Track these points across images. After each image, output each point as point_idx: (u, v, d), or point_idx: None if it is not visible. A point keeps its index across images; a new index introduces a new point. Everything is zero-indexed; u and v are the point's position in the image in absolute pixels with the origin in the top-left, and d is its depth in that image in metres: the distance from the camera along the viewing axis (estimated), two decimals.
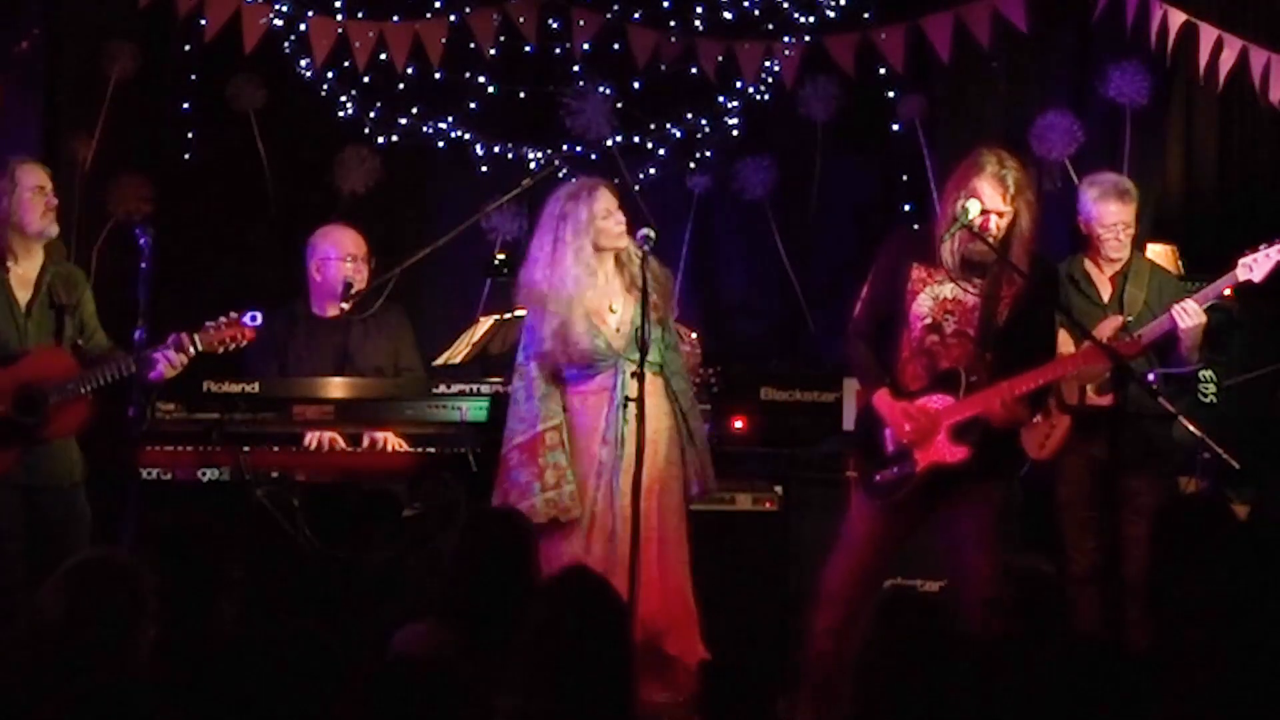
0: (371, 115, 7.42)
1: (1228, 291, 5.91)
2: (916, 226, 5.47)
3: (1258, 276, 5.82)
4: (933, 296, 5.18)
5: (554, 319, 5.50)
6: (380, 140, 7.41)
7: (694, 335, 6.25)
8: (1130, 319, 5.94)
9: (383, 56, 7.30)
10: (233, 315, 5.53)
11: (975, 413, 5.08)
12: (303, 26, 7.28)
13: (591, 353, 5.50)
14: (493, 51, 7.37)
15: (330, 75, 7.37)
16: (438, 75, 7.38)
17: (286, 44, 7.31)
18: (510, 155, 7.51)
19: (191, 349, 5.45)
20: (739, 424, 5.92)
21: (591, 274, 5.52)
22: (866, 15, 7.47)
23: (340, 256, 6.20)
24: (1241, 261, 5.84)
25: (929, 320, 5.17)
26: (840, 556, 5.25)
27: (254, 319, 5.54)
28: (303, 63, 7.33)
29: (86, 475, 5.61)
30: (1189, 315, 5.77)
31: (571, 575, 3.65)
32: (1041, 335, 5.28)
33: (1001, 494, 5.30)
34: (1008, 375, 5.07)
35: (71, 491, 5.56)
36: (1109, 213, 5.99)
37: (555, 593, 3.52)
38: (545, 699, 3.30)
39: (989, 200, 5.10)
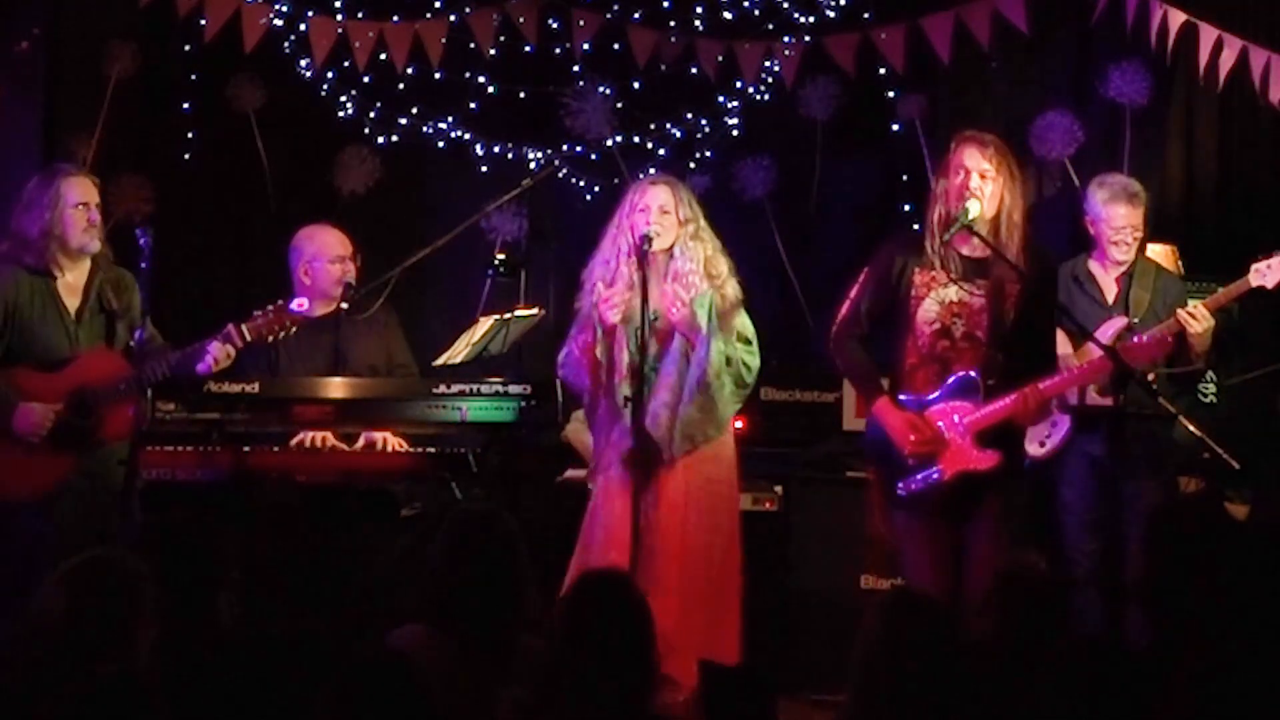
0: (371, 115, 7.42)
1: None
2: (915, 228, 5.41)
3: (1270, 283, 5.79)
4: (938, 300, 5.11)
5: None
6: (380, 140, 7.41)
7: None
8: (1135, 320, 5.93)
9: (383, 56, 7.31)
10: (279, 303, 5.49)
11: (1005, 416, 5.03)
12: (303, 26, 7.28)
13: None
14: (493, 51, 7.37)
15: (330, 75, 7.37)
16: (438, 75, 7.38)
17: (286, 44, 7.31)
18: (510, 155, 7.51)
19: (239, 340, 5.43)
20: (739, 424, 5.89)
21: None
22: (866, 15, 7.47)
23: (330, 259, 6.19)
24: (1254, 268, 5.80)
25: (938, 325, 5.10)
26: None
27: (300, 305, 5.49)
28: (303, 63, 7.33)
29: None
30: (1197, 320, 5.75)
31: (596, 577, 3.66)
32: (1045, 332, 5.24)
33: (1013, 491, 5.19)
34: (1024, 376, 5.03)
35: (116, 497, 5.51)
36: (1118, 215, 5.97)
37: (581, 594, 3.52)
38: (561, 693, 3.31)
39: (970, 160, 5.08)
